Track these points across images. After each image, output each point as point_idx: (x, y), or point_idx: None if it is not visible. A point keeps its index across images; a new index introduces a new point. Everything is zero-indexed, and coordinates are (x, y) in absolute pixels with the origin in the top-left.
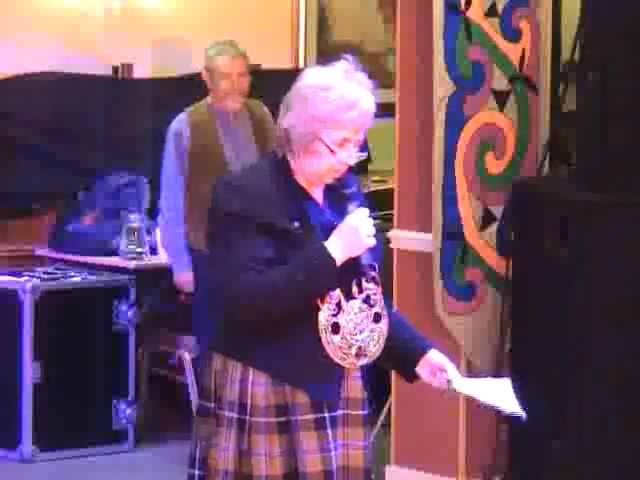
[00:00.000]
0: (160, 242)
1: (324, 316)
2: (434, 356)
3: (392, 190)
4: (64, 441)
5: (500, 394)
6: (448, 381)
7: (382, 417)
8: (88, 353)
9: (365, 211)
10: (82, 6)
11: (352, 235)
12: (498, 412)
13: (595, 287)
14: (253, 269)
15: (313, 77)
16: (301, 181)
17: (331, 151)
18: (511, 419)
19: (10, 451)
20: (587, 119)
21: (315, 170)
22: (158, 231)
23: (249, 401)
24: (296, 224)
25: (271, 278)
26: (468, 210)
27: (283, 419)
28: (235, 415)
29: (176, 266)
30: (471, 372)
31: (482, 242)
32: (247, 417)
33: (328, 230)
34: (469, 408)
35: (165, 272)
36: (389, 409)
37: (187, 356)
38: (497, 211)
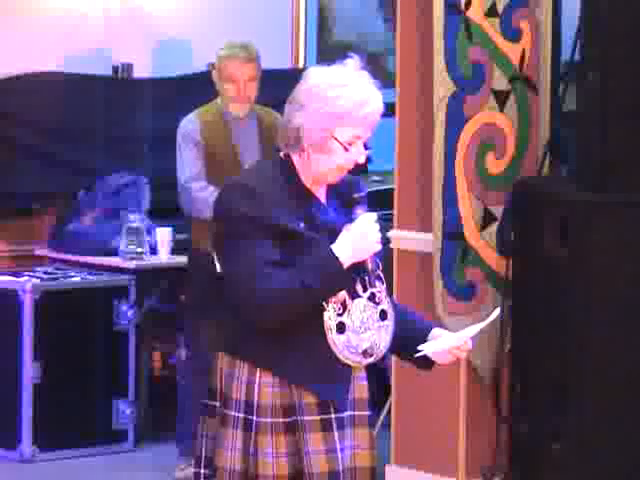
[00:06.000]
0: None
1: (329, 315)
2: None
3: (392, 190)
4: (64, 441)
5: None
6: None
7: (382, 417)
8: (88, 353)
9: (373, 216)
10: (82, 6)
11: (361, 240)
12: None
13: (595, 287)
14: (268, 271)
15: (326, 75)
16: (305, 181)
17: (345, 148)
18: (511, 419)
19: (10, 451)
20: (587, 119)
21: (325, 168)
22: (158, 232)
23: (256, 401)
24: (301, 225)
25: (285, 281)
26: (468, 210)
27: (289, 419)
28: (241, 415)
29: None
30: (471, 372)
31: (482, 242)
32: (253, 417)
33: (332, 230)
34: (469, 408)
35: (165, 272)
36: (389, 409)
37: None
38: (497, 211)
